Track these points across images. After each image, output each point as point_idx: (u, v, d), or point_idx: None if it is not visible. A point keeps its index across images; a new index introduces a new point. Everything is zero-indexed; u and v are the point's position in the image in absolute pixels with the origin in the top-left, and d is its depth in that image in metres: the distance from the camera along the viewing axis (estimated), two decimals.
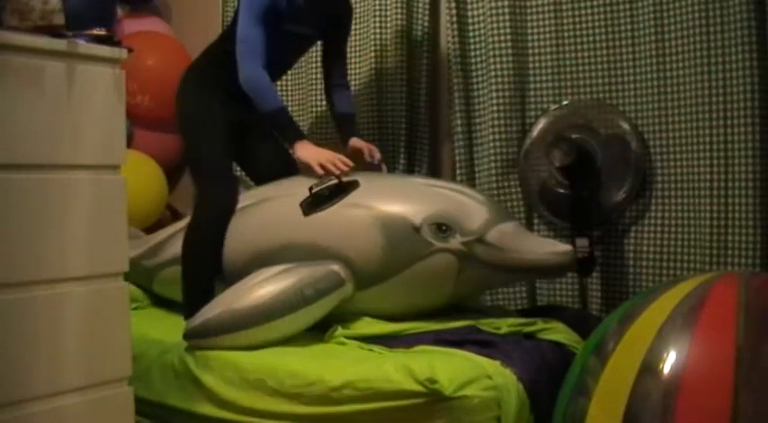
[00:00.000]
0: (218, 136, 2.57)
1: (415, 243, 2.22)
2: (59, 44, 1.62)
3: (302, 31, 2.62)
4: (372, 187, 2.36)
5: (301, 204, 2.36)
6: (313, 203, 2.35)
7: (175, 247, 2.58)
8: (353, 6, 2.91)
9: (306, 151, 2.46)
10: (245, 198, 2.53)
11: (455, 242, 2.21)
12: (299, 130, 2.55)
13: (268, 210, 2.44)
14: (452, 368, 1.89)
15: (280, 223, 2.39)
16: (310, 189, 2.36)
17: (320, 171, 2.40)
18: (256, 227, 2.42)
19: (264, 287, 2.21)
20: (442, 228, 2.22)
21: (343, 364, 2.02)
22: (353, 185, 2.36)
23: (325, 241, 2.30)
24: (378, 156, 2.65)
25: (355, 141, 2.68)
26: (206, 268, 2.46)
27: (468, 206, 2.27)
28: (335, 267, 2.27)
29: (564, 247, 2.21)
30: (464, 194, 2.33)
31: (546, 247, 2.22)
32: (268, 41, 2.50)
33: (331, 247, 2.29)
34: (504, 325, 2.26)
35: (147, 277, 2.78)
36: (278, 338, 2.19)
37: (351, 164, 2.44)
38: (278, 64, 2.64)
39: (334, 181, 2.36)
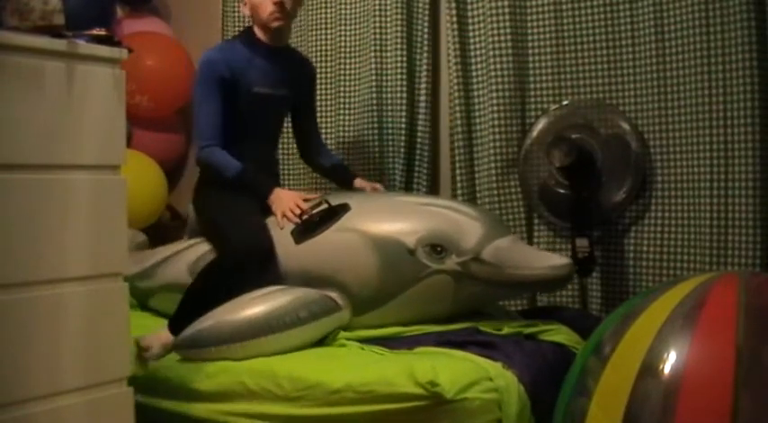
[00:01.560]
0: (242, 201, 2.49)
1: (410, 266, 2.21)
2: (59, 44, 1.61)
3: (274, 91, 2.62)
4: (364, 210, 2.34)
5: (292, 233, 2.34)
6: (304, 231, 2.32)
7: (168, 275, 2.57)
8: (347, 8, 2.90)
9: (274, 204, 2.44)
10: None
11: (451, 262, 2.20)
12: (267, 182, 2.52)
13: None
14: (453, 370, 1.89)
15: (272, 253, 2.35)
16: (300, 216, 2.35)
17: (282, 223, 2.39)
18: None
19: (259, 303, 2.20)
20: (437, 249, 2.20)
21: (344, 366, 2.02)
22: (344, 209, 2.33)
23: (318, 269, 2.28)
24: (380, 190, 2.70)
25: (359, 182, 2.72)
26: (214, 301, 2.32)
27: (462, 224, 2.25)
28: (333, 295, 2.26)
29: (562, 260, 2.20)
30: (457, 212, 2.31)
31: (544, 261, 2.19)
32: (240, 107, 2.51)
33: (325, 274, 2.27)
34: (506, 326, 2.26)
35: (142, 296, 2.77)
36: (269, 355, 2.15)
37: (304, 206, 2.39)
38: (260, 130, 2.63)
39: (324, 206, 2.33)
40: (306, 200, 2.45)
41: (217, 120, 2.49)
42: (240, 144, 2.54)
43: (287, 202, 2.43)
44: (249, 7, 2.62)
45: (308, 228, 2.32)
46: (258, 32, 2.63)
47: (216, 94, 2.50)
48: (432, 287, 2.22)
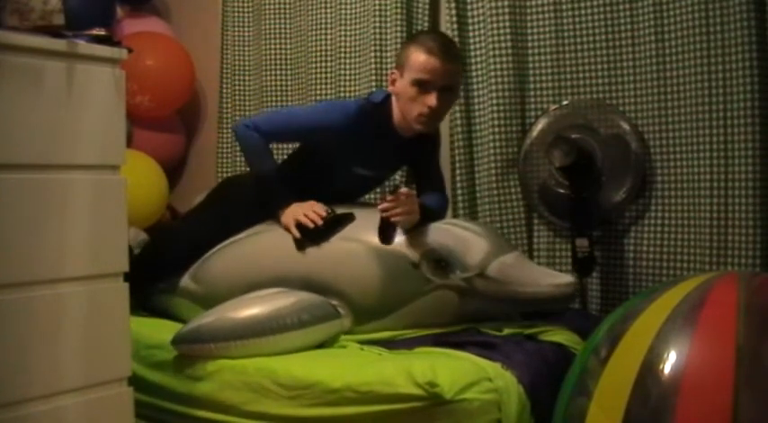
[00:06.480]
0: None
1: (413, 280, 2.20)
2: (59, 44, 1.62)
3: (374, 173, 2.51)
4: (369, 221, 2.29)
5: (295, 237, 2.32)
6: (307, 236, 2.31)
7: None
8: (356, 6, 2.89)
9: (285, 217, 2.36)
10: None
11: (455, 278, 2.19)
12: (288, 194, 2.41)
13: (261, 242, 2.41)
14: (453, 371, 1.88)
15: (273, 256, 2.35)
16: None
17: (297, 233, 2.31)
18: (249, 260, 2.39)
19: (262, 303, 2.19)
20: (442, 264, 2.20)
21: (343, 365, 2.02)
22: (349, 218, 2.32)
23: (319, 276, 2.27)
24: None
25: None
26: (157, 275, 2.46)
27: (467, 240, 2.24)
28: (334, 302, 2.25)
29: (565, 278, 2.18)
30: (462, 228, 2.29)
31: (547, 279, 2.18)
32: (329, 178, 2.41)
33: (326, 281, 2.26)
34: (506, 326, 2.25)
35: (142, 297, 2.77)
36: (268, 355, 2.14)
37: (323, 212, 2.32)
38: (336, 194, 2.47)
39: (329, 214, 2.32)
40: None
41: (287, 137, 2.41)
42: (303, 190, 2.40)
43: (301, 209, 2.34)
44: (399, 88, 2.35)
45: (311, 234, 2.31)
46: (396, 115, 2.39)
47: (310, 134, 2.40)
48: (435, 302, 2.22)
